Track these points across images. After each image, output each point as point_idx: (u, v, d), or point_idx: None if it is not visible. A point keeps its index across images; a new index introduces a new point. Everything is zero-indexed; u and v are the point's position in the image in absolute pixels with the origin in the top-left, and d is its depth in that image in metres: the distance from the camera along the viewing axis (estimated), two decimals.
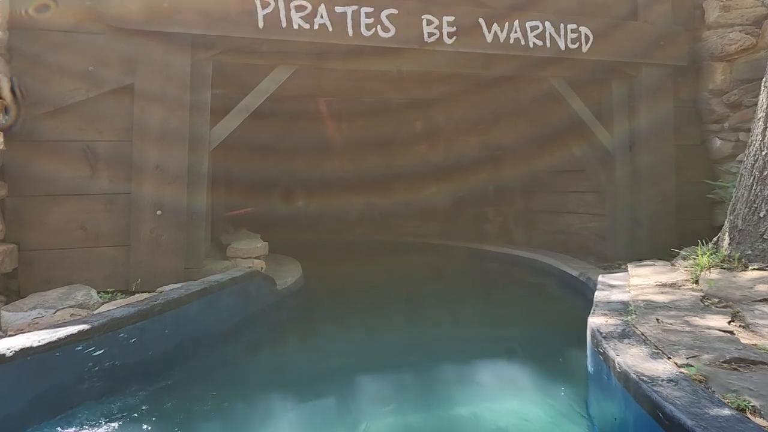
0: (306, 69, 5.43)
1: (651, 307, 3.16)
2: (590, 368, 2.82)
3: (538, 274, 6.74)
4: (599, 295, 3.61)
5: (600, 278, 4.27)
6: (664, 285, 3.80)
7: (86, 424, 2.69)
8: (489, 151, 9.50)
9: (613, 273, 4.68)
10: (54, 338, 2.82)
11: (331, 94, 7.29)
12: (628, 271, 4.55)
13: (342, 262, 8.87)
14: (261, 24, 4.81)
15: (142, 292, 4.37)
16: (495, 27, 5.41)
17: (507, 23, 5.46)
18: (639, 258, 6.04)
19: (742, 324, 2.86)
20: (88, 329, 3.00)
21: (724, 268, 3.88)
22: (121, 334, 3.23)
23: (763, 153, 3.95)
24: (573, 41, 5.63)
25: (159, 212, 4.58)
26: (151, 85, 4.61)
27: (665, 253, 6.11)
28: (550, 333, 4.46)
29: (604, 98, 6.28)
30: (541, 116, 7.52)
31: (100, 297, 4.14)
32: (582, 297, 5.25)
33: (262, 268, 5.37)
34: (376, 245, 10.32)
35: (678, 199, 6.10)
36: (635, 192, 6.14)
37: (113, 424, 2.71)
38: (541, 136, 7.88)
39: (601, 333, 2.68)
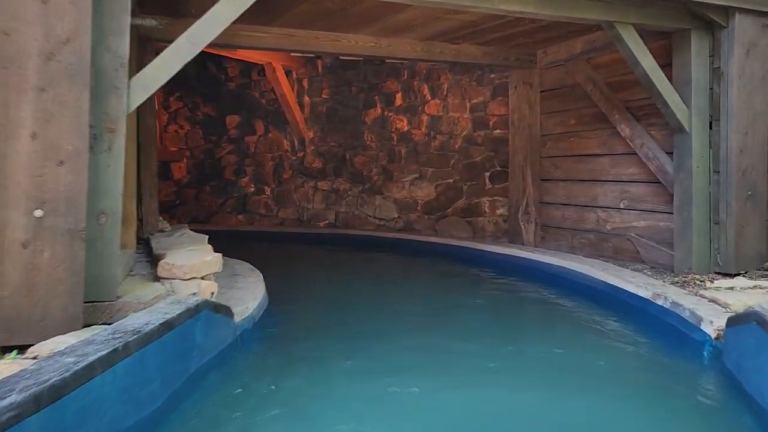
0: None
1: None
2: None
3: (577, 292, 5.12)
4: None
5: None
6: None
7: None
8: (489, 126, 7.89)
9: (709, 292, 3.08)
10: None
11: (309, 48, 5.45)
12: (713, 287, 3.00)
13: (305, 266, 7.06)
14: None
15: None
16: None
17: None
18: (720, 270, 4.58)
19: None
20: None
21: None
22: None
23: None
24: None
25: (38, 213, 2.68)
26: None
27: (753, 264, 4.67)
28: None
29: (677, 58, 4.72)
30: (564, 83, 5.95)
31: None
32: (674, 339, 3.69)
33: (212, 293, 3.54)
34: (344, 242, 8.56)
35: None
36: (715, 183, 4.63)
37: None
38: (568, 108, 6.30)
39: None
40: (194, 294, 3.37)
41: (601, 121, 5.83)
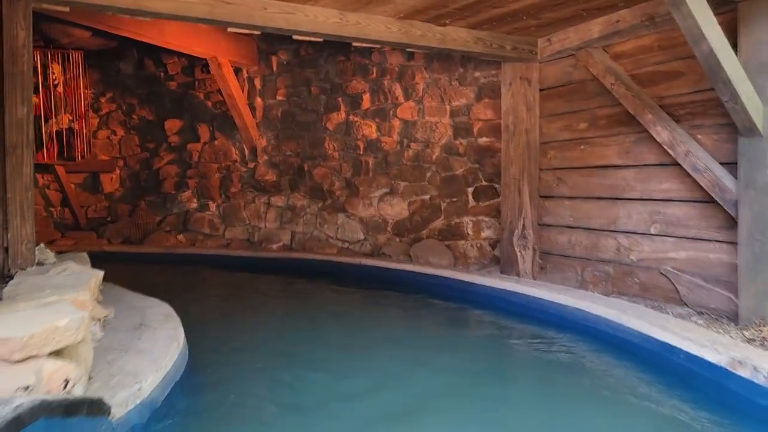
0: None
1: None
2: None
3: (605, 348, 3.85)
4: None
5: None
6: None
7: None
8: (472, 133, 6.66)
9: None
10: None
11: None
12: None
13: (250, 302, 5.64)
14: None
15: None
16: None
17: None
18: None
19: None
20: None
21: None
22: None
23: None
24: None
25: None
26: None
27: None
28: None
29: (745, 36, 3.54)
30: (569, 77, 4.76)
31: None
32: None
33: (67, 382, 2.13)
34: (300, 268, 7.18)
35: None
36: None
37: None
38: (577, 109, 5.10)
39: None
40: (26, 389, 1.97)
41: (623, 123, 4.64)
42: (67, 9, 4.44)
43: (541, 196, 5.58)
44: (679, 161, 4.05)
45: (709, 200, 3.94)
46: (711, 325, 3.66)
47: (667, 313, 4.05)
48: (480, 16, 4.58)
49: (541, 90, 5.51)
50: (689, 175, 4.03)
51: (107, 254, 8.10)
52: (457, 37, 4.87)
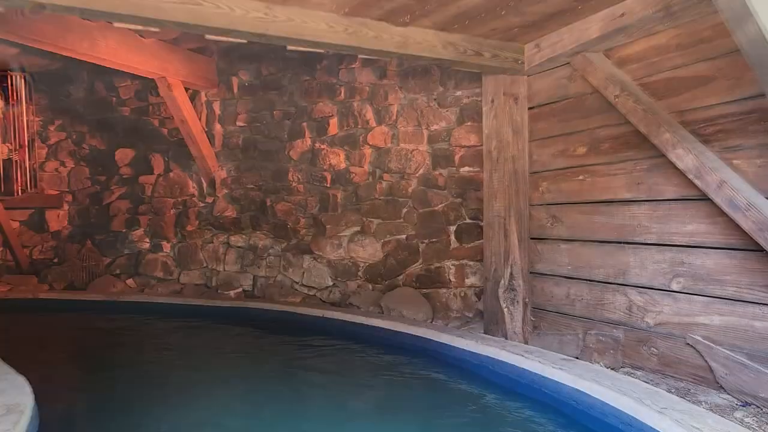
0: None
1: None
2: None
3: None
4: None
5: None
6: None
7: None
8: (454, 162, 5.67)
9: None
10: None
11: None
12: None
13: (182, 372, 4.56)
14: None
15: None
16: None
17: None
18: None
19: None
20: None
21: None
22: None
23: None
24: None
25: None
26: None
27: None
28: None
29: None
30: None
31: None
32: None
33: None
34: (257, 320, 6.10)
35: None
36: None
37: None
38: (574, 131, 4.10)
39: None
40: None
41: (632, 146, 3.62)
42: None
43: (532, 238, 4.53)
44: (710, 195, 3.00)
45: (753, 248, 2.88)
46: (765, 427, 2.56)
47: (699, 402, 2.95)
48: (446, 11, 3.60)
49: (530, 108, 4.51)
50: (723, 214, 2.98)
51: (39, 303, 7.08)
52: (421, 40, 3.89)
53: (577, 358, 3.86)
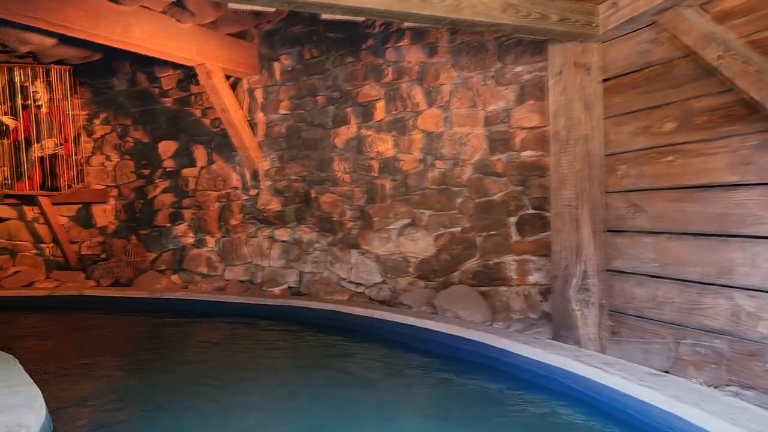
0: None
1: None
2: None
3: None
4: None
5: None
6: None
7: None
8: (514, 146, 5.10)
9: None
10: None
11: None
12: None
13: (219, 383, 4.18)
14: None
15: None
16: None
17: None
18: None
19: None
20: None
21: None
22: None
23: None
24: None
25: None
26: None
27: None
28: None
29: None
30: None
31: None
32: None
33: None
34: (297, 319, 5.70)
35: None
36: None
37: None
38: (660, 103, 3.47)
39: None
40: None
41: (738, 119, 2.98)
42: None
43: (608, 231, 3.92)
44: None
45: None
46: None
47: None
48: None
49: (604, 80, 3.90)
50: None
51: (84, 300, 6.90)
52: (476, 2, 3.34)
53: (667, 372, 3.26)
